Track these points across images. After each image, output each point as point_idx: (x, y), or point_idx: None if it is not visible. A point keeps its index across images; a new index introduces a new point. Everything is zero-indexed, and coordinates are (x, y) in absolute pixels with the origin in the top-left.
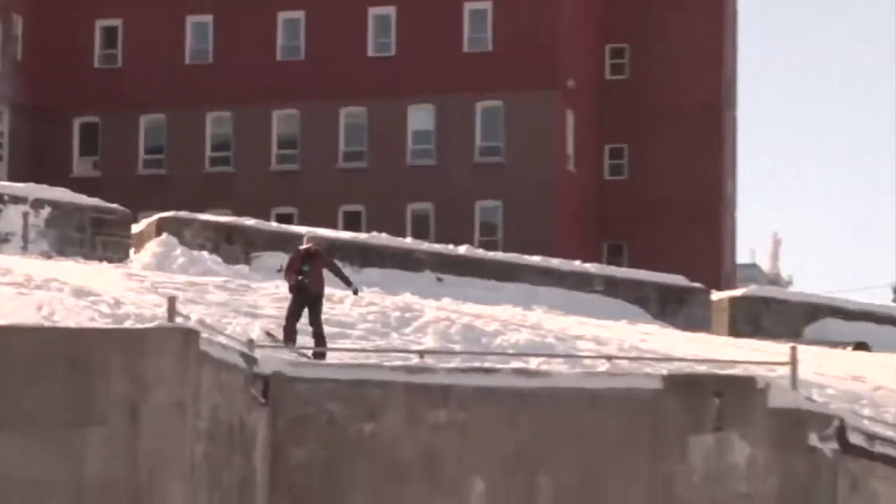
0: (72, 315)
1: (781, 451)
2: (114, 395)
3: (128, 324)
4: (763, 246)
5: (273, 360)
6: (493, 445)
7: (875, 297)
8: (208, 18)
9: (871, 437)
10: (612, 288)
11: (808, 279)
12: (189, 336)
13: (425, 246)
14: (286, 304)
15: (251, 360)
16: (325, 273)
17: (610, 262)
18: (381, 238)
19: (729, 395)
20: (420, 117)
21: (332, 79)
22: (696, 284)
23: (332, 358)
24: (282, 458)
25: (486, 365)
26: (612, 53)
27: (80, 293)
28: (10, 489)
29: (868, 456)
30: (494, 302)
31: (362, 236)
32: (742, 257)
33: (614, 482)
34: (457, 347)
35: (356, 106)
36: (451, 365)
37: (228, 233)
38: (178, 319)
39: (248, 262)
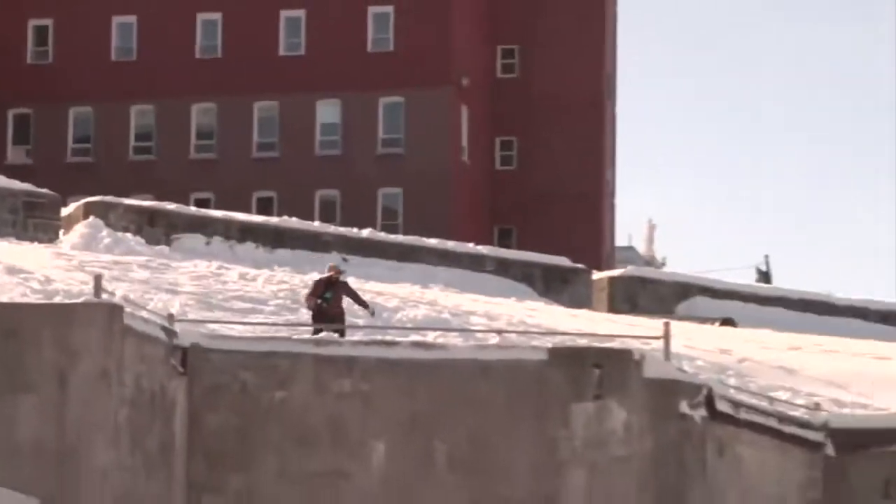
0: (5, 291)
1: (655, 418)
2: (44, 364)
3: (57, 299)
4: (639, 230)
5: (191, 333)
6: (393, 412)
7: (740, 278)
8: (132, 19)
9: (737, 405)
10: (503, 268)
11: (680, 261)
12: (114, 311)
13: (332, 229)
14: (204, 282)
15: (171, 333)
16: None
17: (500, 245)
18: (292, 222)
19: (608, 367)
20: (327, 111)
21: (247, 75)
22: (579, 265)
23: (245, 331)
24: (198, 423)
25: (388, 338)
26: (503, 54)
27: (12, 271)
28: None
29: (734, 422)
30: (395, 281)
31: (274, 220)
32: (620, 241)
33: (503, 446)
34: (360, 322)
35: (269, 101)
36: (355, 338)
37: (151, 216)
38: (104, 295)
39: (168, 243)
